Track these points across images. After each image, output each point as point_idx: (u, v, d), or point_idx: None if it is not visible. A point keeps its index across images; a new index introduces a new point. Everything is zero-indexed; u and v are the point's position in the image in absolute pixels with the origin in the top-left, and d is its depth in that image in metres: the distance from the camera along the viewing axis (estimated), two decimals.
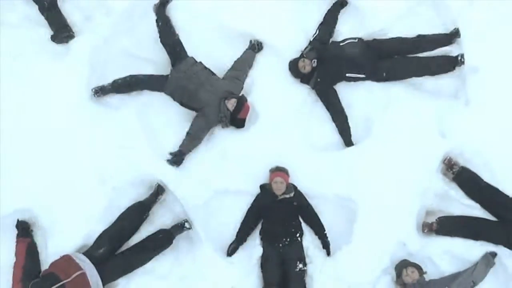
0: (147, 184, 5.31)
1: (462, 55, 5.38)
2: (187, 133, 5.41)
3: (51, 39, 5.57)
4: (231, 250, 5.20)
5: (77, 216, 5.09)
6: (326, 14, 5.72)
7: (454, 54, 5.47)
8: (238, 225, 5.28)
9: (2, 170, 5.15)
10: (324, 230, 5.21)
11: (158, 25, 5.68)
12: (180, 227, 5.18)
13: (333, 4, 5.75)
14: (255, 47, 5.67)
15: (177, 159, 5.34)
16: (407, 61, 5.52)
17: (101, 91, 5.54)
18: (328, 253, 5.16)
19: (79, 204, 5.12)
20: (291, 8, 5.75)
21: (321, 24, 5.70)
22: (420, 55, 5.52)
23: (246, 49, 5.68)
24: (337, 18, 5.73)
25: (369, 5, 5.65)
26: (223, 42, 5.73)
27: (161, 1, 5.71)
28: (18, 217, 5.06)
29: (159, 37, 5.66)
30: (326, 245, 5.17)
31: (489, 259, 4.95)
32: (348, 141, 5.46)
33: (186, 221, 5.19)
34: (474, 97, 5.36)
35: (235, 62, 5.62)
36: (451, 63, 5.43)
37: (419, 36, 5.56)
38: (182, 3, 5.75)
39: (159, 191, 5.25)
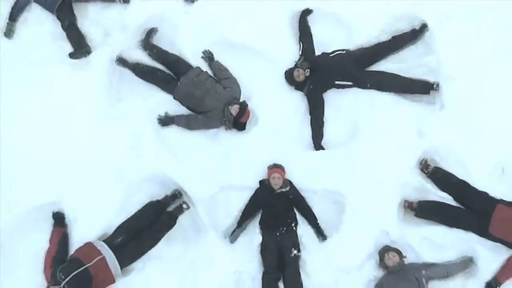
0: (159, 180, 5.56)
1: (437, 84, 5.57)
2: (189, 115, 5.64)
3: (69, 56, 5.78)
4: (234, 236, 5.40)
5: (98, 209, 5.37)
6: (298, 26, 5.92)
7: (432, 65, 5.70)
8: (239, 215, 5.49)
9: (34, 168, 5.47)
10: (317, 220, 5.41)
11: (152, 57, 5.82)
12: (180, 207, 5.41)
13: (300, 15, 5.95)
14: (209, 57, 5.84)
15: (164, 121, 5.64)
16: (391, 78, 5.66)
17: (122, 63, 5.78)
18: (324, 238, 5.36)
19: (100, 199, 5.40)
20: (287, 24, 5.99)
21: (300, 36, 5.90)
22: (402, 75, 5.68)
23: (209, 64, 5.84)
24: (309, 26, 5.91)
25: (355, 20, 5.89)
26: (226, 54, 5.90)
27: (147, 33, 5.86)
28: (47, 208, 5.34)
29: (161, 64, 5.82)
30: (320, 232, 5.38)
31: (469, 263, 5.14)
32: (318, 146, 5.64)
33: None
34: (448, 103, 5.56)
35: (216, 76, 5.77)
36: (427, 88, 5.62)
37: (392, 37, 5.81)
38: (189, 18, 5.97)
39: (177, 196, 5.50)
